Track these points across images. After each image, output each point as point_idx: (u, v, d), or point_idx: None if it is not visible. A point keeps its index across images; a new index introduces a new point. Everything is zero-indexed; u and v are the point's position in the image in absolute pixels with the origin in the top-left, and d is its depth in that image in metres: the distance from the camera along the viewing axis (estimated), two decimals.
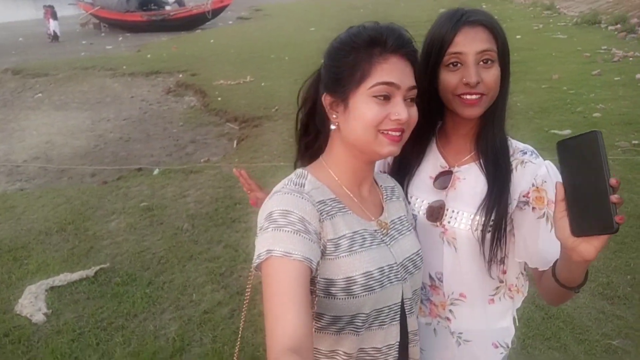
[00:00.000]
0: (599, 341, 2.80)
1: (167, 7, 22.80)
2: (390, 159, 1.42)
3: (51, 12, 18.83)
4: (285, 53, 13.24)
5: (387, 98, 1.03)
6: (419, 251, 1.19)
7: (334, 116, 1.10)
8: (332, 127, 1.11)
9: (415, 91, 1.07)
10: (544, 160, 1.28)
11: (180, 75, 11.57)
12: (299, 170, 1.14)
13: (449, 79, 1.22)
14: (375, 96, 1.03)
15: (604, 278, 3.31)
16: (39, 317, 3.31)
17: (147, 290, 3.56)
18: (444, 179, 1.32)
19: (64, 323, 3.25)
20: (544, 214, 1.22)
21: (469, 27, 1.20)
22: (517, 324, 1.41)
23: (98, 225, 4.59)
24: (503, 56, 1.23)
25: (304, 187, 1.08)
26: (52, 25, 18.98)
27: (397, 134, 1.04)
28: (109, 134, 7.99)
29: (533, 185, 1.23)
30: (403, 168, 1.37)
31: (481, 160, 1.29)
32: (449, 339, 1.36)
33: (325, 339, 1.08)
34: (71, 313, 3.36)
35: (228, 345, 2.97)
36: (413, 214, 1.32)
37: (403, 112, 1.03)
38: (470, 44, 1.19)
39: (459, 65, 1.21)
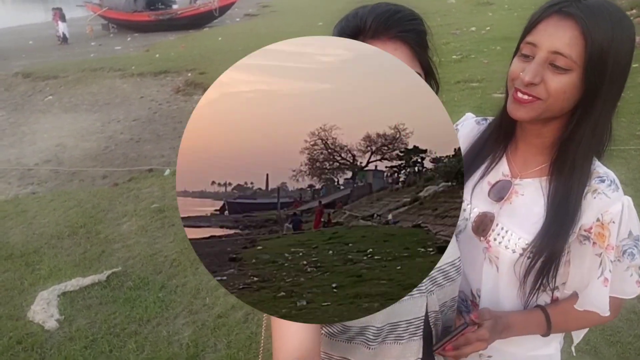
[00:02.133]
0: (631, 343, 2.68)
1: (174, 6, 22.78)
2: None
3: (60, 15, 18.88)
4: None
5: None
6: (455, 261, 1.08)
7: None
8: None
9: None
10: (623, 195, 1.09)
11: (189, 74, 11.50)
12: None
13: (514, 67, 1.08)
14: None
15: None
16: (51, 324, 3.26)
17: (159, 294, 3.50)
18: (500, 189, 1.18)
19: (77, 329, 3.20)
20: (600, 254, 1.08)
21: (557, 18, 1.01)
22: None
23: (109, 228, 4.54)
24: (592, 67, 0.98)
25: None
26: (61, 28, 19.03)
27: None
28: (119, 135, 7.96)
29: (598, 220, 1.07)
30: (468, 170, 1.21)
31: (549, 185, 1.12)
32: None
33: (336, 346, 1.03)
34: (84, 319, 3.30)
35: (243, 351, 2.89)
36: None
37: None
38: (548, 37, 1.01)
39: (529, 57, 1.04)
